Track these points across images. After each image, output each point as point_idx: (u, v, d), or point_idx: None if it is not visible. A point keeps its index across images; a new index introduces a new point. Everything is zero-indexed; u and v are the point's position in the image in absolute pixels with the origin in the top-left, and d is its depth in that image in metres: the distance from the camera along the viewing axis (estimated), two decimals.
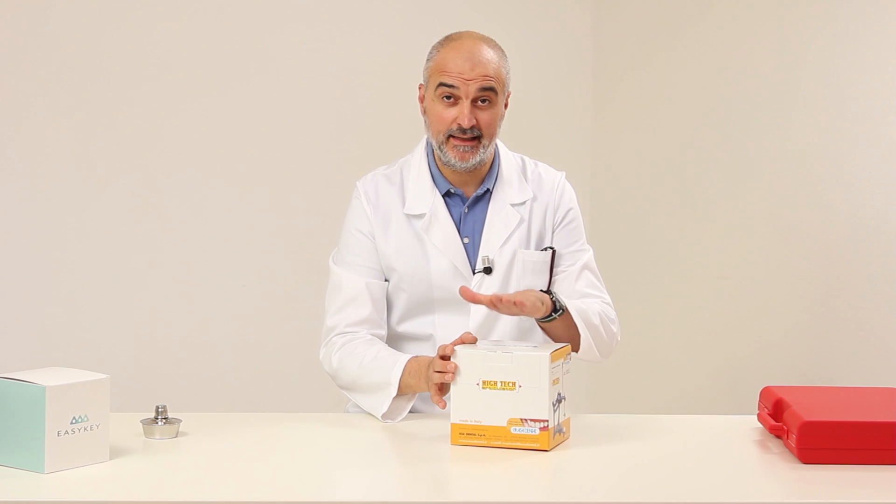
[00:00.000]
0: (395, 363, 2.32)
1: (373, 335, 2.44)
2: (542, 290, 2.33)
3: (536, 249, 2.48)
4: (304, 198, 3.80)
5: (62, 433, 1.91)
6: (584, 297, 2.47)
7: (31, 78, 3.54)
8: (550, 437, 2.08)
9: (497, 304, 2.20)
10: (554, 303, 2.31)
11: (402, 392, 2.31)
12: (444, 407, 2.19)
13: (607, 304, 2.50)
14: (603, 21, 4.11)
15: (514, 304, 2.20)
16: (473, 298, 2.23)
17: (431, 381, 2.19)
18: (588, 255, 2.53)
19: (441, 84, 2.37)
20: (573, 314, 2.34)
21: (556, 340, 2.38)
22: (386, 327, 2.48)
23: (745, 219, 3.57)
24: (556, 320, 2.32)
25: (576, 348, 2.37)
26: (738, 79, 3.61)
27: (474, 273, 2.44)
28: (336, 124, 3.85)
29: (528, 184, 2.51)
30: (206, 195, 3.74)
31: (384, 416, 2.31)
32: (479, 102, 2.38)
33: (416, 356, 2.33)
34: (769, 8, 3.50)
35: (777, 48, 3.46)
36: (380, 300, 2.46)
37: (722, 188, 3.66)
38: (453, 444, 2.12)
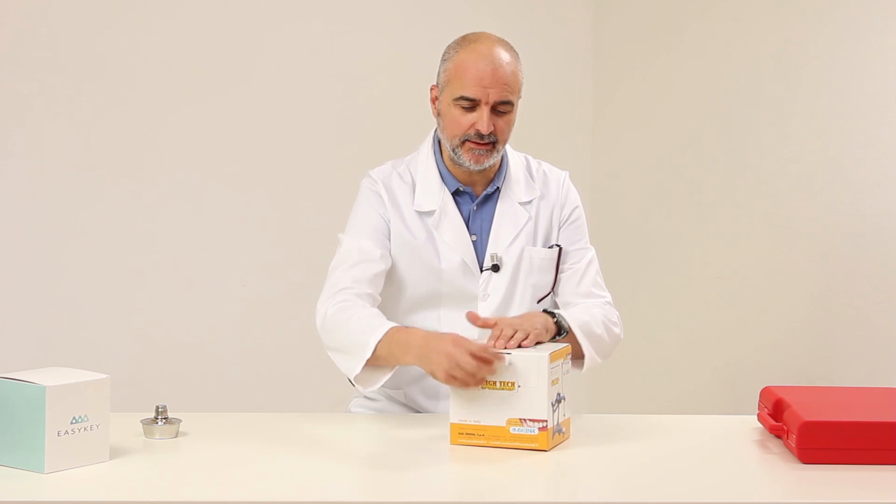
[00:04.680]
0: (377, 327, 2.23)
1: (370, 295, 2.37)
2: (545, 311, 2.31)
3: (543, 247, 2.49)
4: (304, 198, 3.81)
5: (62, 433, 1.91)
6: (588, 296, 2.47)
7: (31, 78, 3.54)
8: (549, 437, 2.08)
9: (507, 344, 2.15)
10: (557, 323, 2.30)
11: (373, 363, 2.23)
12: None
13: (609, 303, 2.50)
14: (603, 21, 4.11)
15: (520, 345, 2.15)
16: (481, 324, 2.20)
17: (455, 366, 2.08)
18: (591, 254, 2.54)
19: (462, 96, 2.35)
20: (577, 334, 2.33)
21: None
22: (379, 300, 2.43)
23: (744, 219, 3.57)
24: (561, 339, 2.32)
25: (578, 359, 2.36)
26: (738, 79, 3.61)
27: (482, 271, 2.45)
28: (337, 124, 3.85)
29: (534, 182, 2.52)
30: (206, 195, 3.74)
31: (357, 380, 2.25)
32: (498, 109, 2.37)
33: (401, 327, 2.24)
34: (769, 8, 3.50)
35: (777, 48, 3.47)
36: (382, 276, 2.41)
37: (722, 188, 3.66)
38: (452, 443, 2.12)
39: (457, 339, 2.10)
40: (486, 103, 2.35)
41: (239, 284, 3.77)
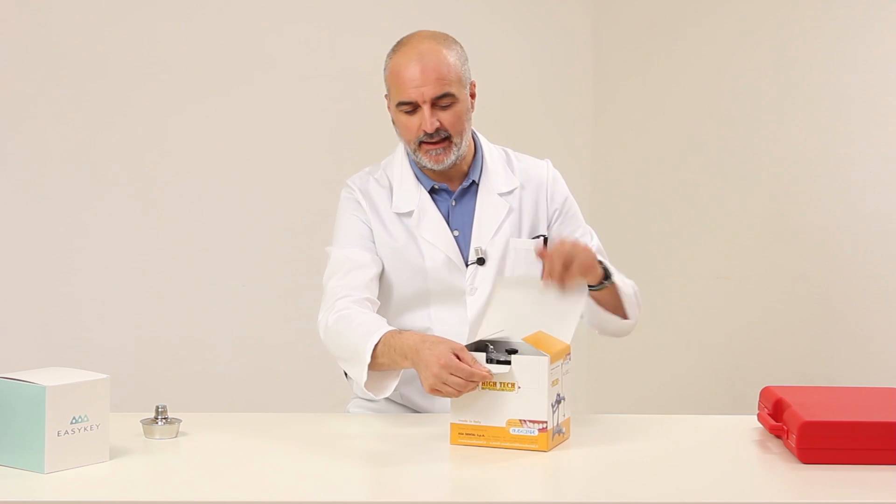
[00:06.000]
0: (374, 332, 2.22)
1: (368, 300, 2.38)
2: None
3: (529, 237, 2.49)
4: (303, 198, 3.80)
5: (62, 433, 1.91)
6: None
7: (31, 78, 3.54)
8: (549, 438, 2.08)
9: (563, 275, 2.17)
10: (605, 270, 2.28)
11: (377, 368, 2.23)
12: None
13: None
14: (603, 21, 4.11)
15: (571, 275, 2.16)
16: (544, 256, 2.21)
17: (439, 383, 2.10)
18: (594, 239, 2.53)
19: (400, 102, 2.38)
20: (618, 285, 2.33)
21: (602, 307, 2.38)
22: (378, 304, 2.43)
23: (745, 219, 3.57)
24: (606, 288, 2.31)
25: (619, 313, 2.37)
26: (738, 79, 3.61)
27: (467, 265, 2.45)
28: (336, 124, 3.85)
29: (514, 173, 2.51)
30: (206, 195, 3.74)
31: (367, 388, 2.24)
32: (439, 104, 2.37)
33: (396, 332, 2.23)
34: (770, 9, 3.50)
35: (778, 49, 3.47)
36: (377, 279, 2.42)
37: (722, 188, 3.66)
38: (452, 443, 2.12)
39: (445, 360, 2.07)
40: (424, 102, 2.36)
41: (239, 284, 3.77)
